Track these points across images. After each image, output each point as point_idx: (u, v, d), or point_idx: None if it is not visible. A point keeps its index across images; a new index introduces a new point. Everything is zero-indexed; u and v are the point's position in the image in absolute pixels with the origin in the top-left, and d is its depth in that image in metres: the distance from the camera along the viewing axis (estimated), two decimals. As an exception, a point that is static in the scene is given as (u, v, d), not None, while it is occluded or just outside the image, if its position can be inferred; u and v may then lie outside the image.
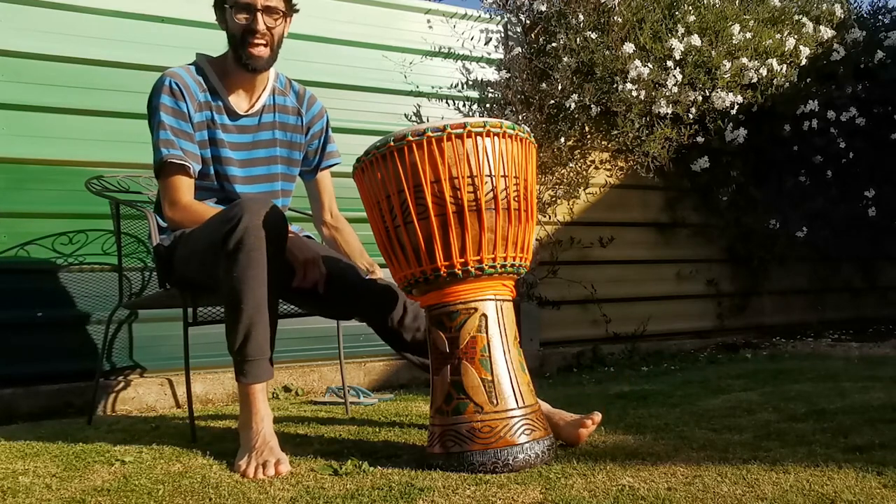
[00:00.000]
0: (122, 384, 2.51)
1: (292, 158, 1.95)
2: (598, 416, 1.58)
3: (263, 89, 1.89)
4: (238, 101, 1.86)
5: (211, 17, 2.76)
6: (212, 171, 1.83)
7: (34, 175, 2.50)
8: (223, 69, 1.85)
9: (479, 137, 1.40)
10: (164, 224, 1.89)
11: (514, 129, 1.44)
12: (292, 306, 1.99)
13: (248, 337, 1.52)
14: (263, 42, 1.77)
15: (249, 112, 1.87)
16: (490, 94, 3.38)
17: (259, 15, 1.75)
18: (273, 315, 1.56)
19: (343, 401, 2.33)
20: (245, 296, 1.49)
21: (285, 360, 2.82)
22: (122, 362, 2.58)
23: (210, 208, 1.76)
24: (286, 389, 2.73)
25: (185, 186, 1.76)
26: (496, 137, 1.41)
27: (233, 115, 1.85)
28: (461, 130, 1.38)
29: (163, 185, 1.78)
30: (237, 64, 1.81)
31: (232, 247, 1.49)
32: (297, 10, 1.85)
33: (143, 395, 2.53)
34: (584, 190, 3.52)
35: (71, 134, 2.56)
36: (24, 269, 2.46)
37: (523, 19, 3.49)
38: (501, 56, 3.43)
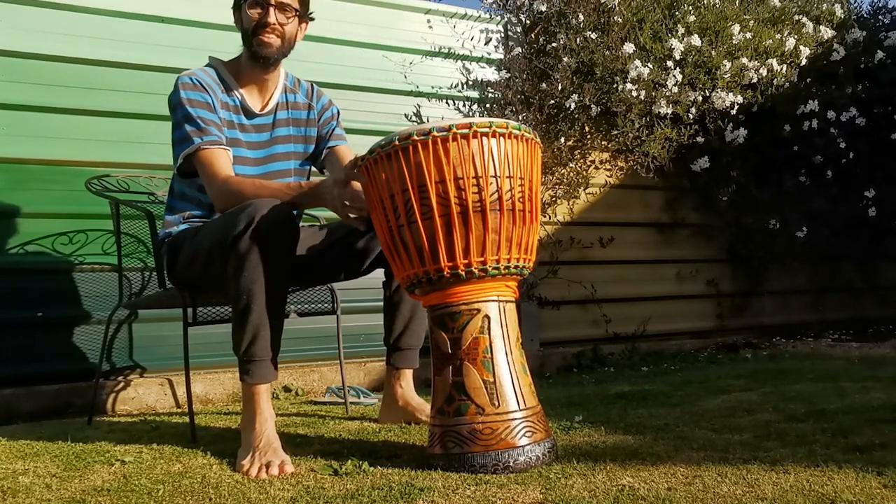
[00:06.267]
0: (122, 384, 2.51)
1: (306, 153, 1.99)
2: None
3: (275, 88, 1.93)
4: (252, 101, 1.89)
5: (211, 17, 2.79)
6: None
7: (34, 175, 2.49)
8: (237, 70, 1.88)
9: (484, 138, 1.39)
10: (171, 218, 1.88)
11: (519, 129, 1.43)
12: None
13: (256, 338, 1.53)
14: (274, 34, 1.81)
15: (264, 111, 1.90)
16: (490, 95, 3.38)
17: (271, 9, 1.79)
18: (281, 317, 1.57)
19: (343, 401, 2.33)
20: (255, 298, 1.50)
21: (285, 360, 2.81)
22: (122, 362, 2.57)
23: (252, 182, 1.70)
24: (286, 389, 2.73)
25: (223, 160, 1.72)
26: (502, 138, 1.41)
27: (249, 114, 1.88)
28: (467, 131, 1.38)
29: (201, 168, 1.71)
30: (251, 60, 1.84)
31: (242, 250, 1.49)
32: (312, 18, 1.90)
33: (143, 395, 2.53)
34: (584, 190, 3.52)
35: (71, 134, 2.55)
36: (24, 269, 2.46)
37: (523, 19, 3.49)
38: (501, 56, 3.43)
